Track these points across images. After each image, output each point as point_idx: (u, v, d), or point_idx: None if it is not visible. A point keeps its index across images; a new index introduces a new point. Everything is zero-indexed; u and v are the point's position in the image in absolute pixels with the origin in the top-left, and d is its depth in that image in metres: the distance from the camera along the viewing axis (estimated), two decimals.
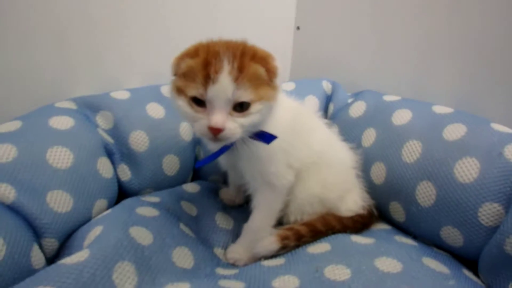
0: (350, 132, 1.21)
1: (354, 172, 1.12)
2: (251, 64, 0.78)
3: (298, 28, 1.69)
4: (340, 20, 1.54)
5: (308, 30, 1.67)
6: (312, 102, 1.37)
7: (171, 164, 1.19)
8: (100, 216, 0.97)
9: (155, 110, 1.19)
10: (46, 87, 1.17)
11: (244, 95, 0.77)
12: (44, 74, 1.16)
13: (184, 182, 1.26)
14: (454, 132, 0.98)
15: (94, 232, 0.86)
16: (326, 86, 1.42)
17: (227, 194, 1.21)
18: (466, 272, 0.89)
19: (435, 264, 0.86)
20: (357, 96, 1.31)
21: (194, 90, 0.78)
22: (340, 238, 0.97)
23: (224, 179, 1.30)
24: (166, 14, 1.36)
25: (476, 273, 0.90)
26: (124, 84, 1.28)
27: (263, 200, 0.98)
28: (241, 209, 1.18)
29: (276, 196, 0.98)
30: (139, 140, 1.13)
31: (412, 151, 1.03)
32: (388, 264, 0.82)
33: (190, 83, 0.78)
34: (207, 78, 0.76)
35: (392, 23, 1.36)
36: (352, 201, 1.08)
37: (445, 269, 0.86)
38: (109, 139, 1.11)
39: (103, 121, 1.12)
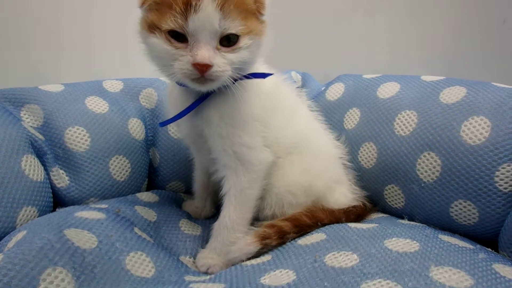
0: (330, 118, 1.05)
1: (341, 162, 0.96)
2: None
3: None
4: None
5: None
6: None
7: (120, 167, 0.98)
8: (26, 223, 0.75)
9: (97, 104, 0.99)
10: None
11: (233, 26, 0.67)
12: None
13: (138, 190, 1.04)
14: (453, 94, 0.85)
15: (16, 238, 0.64)
16: (295, 76, 1.27)
17: (192, 205, 1.01)
18: (489, 250, 0.73)
19: (455, 240, 0.71)
20: (331, 82, 1.16)
21: (172, 22, 0.65)
22: (336, 226, 0.79)
23: (186, 187, 1.09)
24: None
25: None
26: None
27: (235, 184, 0.79)
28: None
29: (251, 178, 0.79)
30: (77, 138, 0.92)
31: (406, 122, 0.89)
32: (402, 244, 0.66)
33: (165, 14, 0.66)
34: (188, 6, 0.64)
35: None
36: (341, 194, 0.91)
37: (469, 245, 0.70)
38: (38, 135, 0.89)
39: (29, 116, 0.92)
